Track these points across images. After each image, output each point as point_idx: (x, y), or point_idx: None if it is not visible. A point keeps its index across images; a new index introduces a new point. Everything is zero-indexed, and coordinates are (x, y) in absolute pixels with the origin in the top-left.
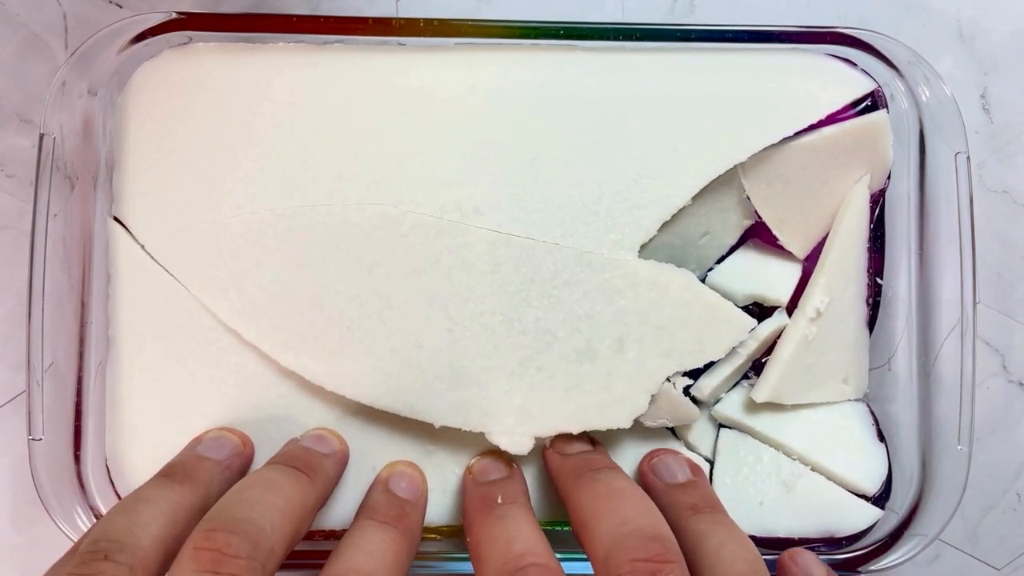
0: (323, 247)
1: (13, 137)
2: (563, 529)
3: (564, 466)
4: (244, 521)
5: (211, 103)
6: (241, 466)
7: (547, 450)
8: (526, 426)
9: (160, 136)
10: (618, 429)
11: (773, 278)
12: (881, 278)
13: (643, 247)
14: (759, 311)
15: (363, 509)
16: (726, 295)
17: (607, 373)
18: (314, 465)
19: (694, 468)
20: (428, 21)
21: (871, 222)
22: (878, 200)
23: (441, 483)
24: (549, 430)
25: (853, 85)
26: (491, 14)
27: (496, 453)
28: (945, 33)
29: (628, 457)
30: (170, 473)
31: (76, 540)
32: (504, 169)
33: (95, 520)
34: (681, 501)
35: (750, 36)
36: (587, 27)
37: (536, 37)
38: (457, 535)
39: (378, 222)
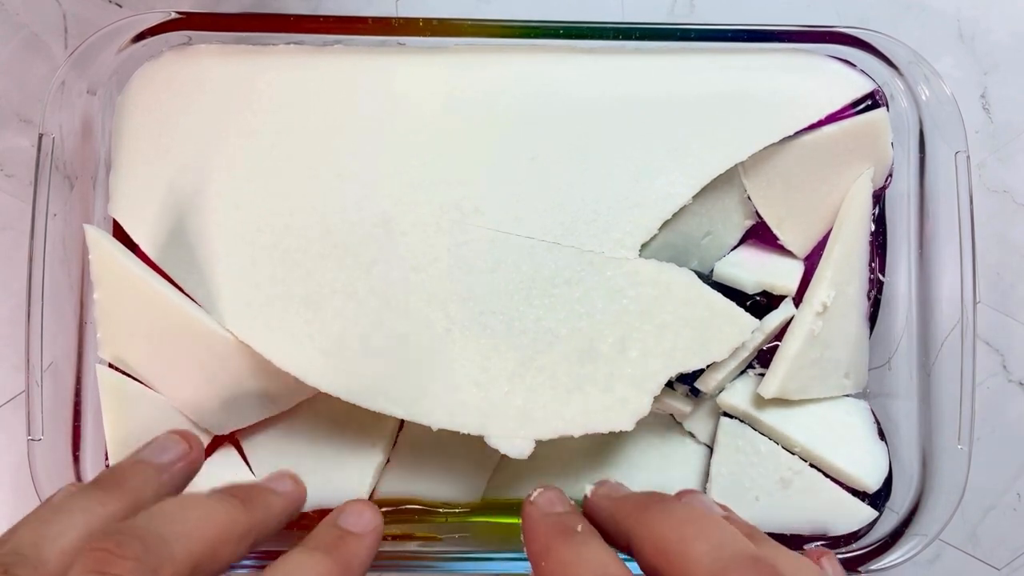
0: (320, 245)
1: (13, 137)
2: None
3: (623, 504)
4: (142, 528)
5: (210, 103)
6: (185, 472)
7: (590, 499)
8: (526, 429)
9: (158, 135)
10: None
11: (780, 271)
12: (883, 274)
13: (644, 246)
14: (767, 302)
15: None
16: (735, 284)
17: (609, 374)
18: (253, 496)
19: (722, 505)
20: (428, 21)
21: (872, 219)
22: (879, 198)
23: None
24: (550, 432)
25: (853, 85)
26: (491, 14)
27: (557, 489)
28: (945, 33)
29: (625, 448)
30: (100, 480)
31: None
32: (504, 169)
33: None
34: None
35: (750, 36)
36: (587, 27)
37: (536, 37)
38: (457, 531)
39: (377, 220)
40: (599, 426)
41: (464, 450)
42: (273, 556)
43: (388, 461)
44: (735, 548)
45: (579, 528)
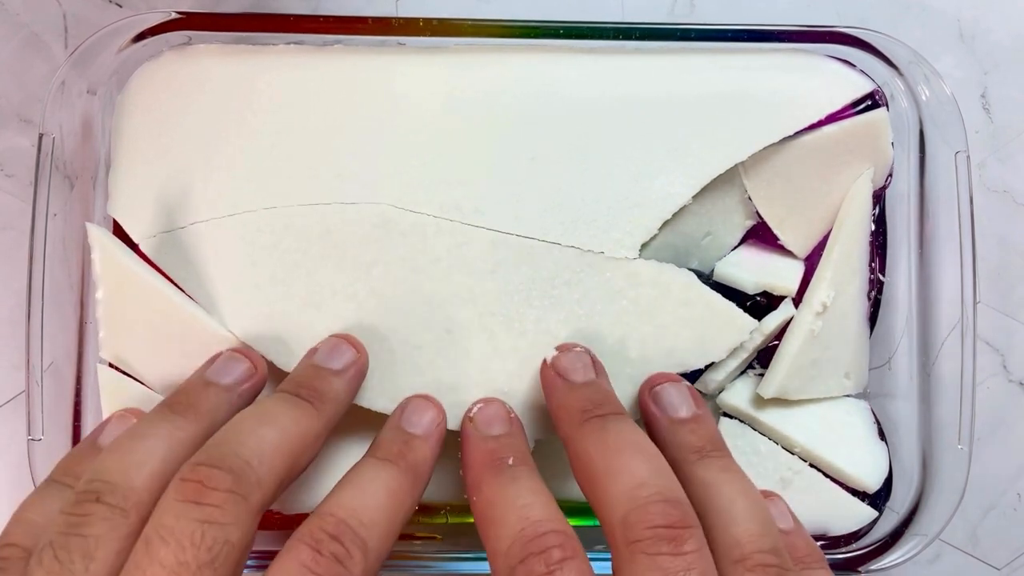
0: (320, 246)
1: (13, 137)
2: None
3: (567, 404)
4: (230, 455)
5: (210, 103)
6: (251, 391)
7: (546, 367)
8: (528, 430)
9: (157, 135)
10: None
11: (780, 271)
12: (883, 274)
13: (644, 246)
14: (767, 302)
15: (368, 448)
16: (736, 285)
17: (609, 374)
18: (321, 391)
19: (698, 400)
20: (428, 21)
21: (872, 219)
22: (879, 198)
23: (445, 463)
24: (549, 432)
25: (853, 85)
26: (491, 14)
27: (498, 402)
28: (945, 33)
29: None
30: (173, 403)
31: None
32: (504, 169)
33: None
34: (687, 442)
35: (750, 36)
36: (587, 27)
37: (536, 37)
38: (456, 534)
39: (377, 221)
40: None
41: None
42: (270, 557)
43: None
44: (655, 488)
45: (510, 461)
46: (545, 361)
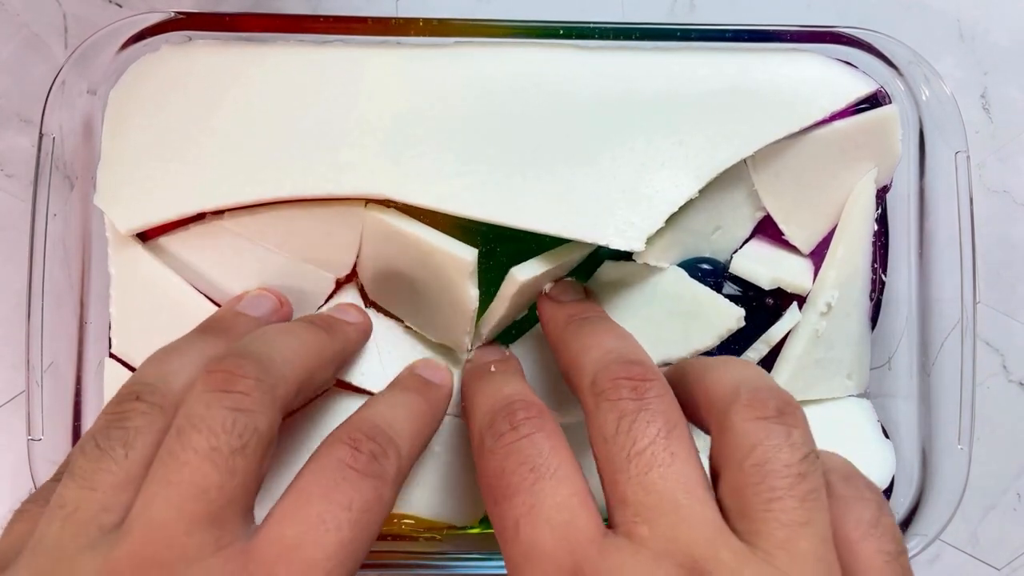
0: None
1: (13, 137)
2: None
3: (556, 315)
4: (255, 351)
5: (203, 96)
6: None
7: (542, 296)
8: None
9: (149, 127)
10: None
11: (792, 268)
12: (885, 273)
13: (650, 241)
14: (774, 303)
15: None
16: (752, 279)
17: None
18: (334, 324)
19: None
20: (428, 21)
21: (875, 218)
22: (882, 197)
23: (446, 484)
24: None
25: (854, 86)
26: (491, 14)
27: (494, 344)
28: (945, 33)
29: None
30: (206, 328)
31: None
32: (505, 161)
33: None
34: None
35: (750, 36)
36: (587, 27)
37: (536, 36)
38: (455, 536)
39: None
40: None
41: (463, 469)
42: None
43: None
44: (619, 352)
45: (492, 368)
46: (542, 292)
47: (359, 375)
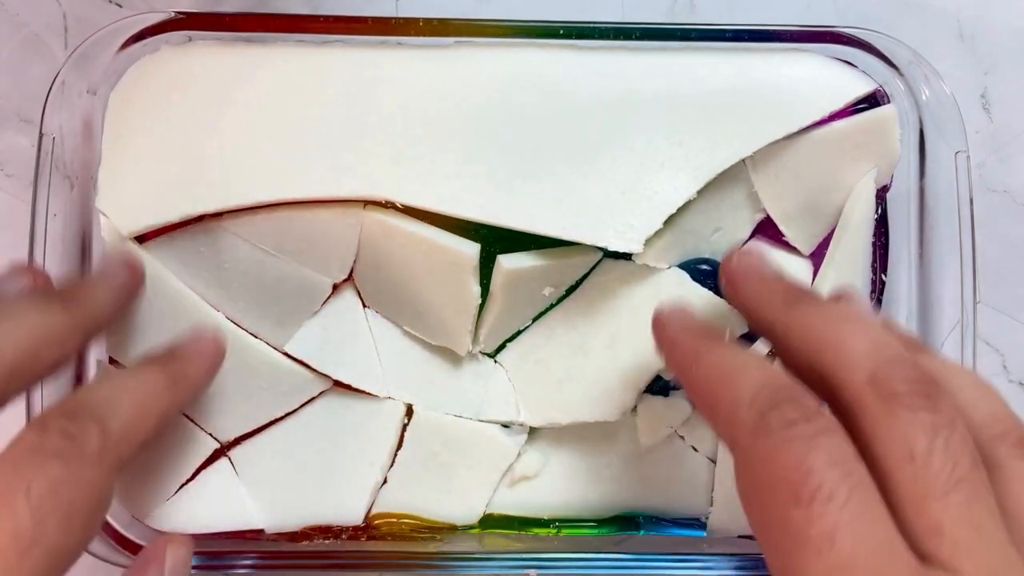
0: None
1: (13, 137)
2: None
3: (766, 293)
4: (82, 406)
5: (204, 97)
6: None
7: (733, 266)
8: (522, 415)
9: (150, 129)
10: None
11: (793, 269)
12: (885, 273)
13: (648, 243)
14: None
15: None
16: None
17: (598, 368)
18: (77, 295)
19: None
20: (428, 21)
21: (875, 219)
22: (882, 197)
23: (446, 483)
24: (541, 420)
25: (854, 86)
26: (491, 14)
27: (683, 307)
28: (945, 33)
29: (625, 444)
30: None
31: None
32: (504, 162)
33: None
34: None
35: (750, 36)
36: (587, 27)
37: (536, 36)
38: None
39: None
40: (587, 416)
41: (463, 469)
42: (272, 555)
43: (385, 482)
44: (894, 351)
45: (727, 335)
46: (730, 258)
47: (358, 378)
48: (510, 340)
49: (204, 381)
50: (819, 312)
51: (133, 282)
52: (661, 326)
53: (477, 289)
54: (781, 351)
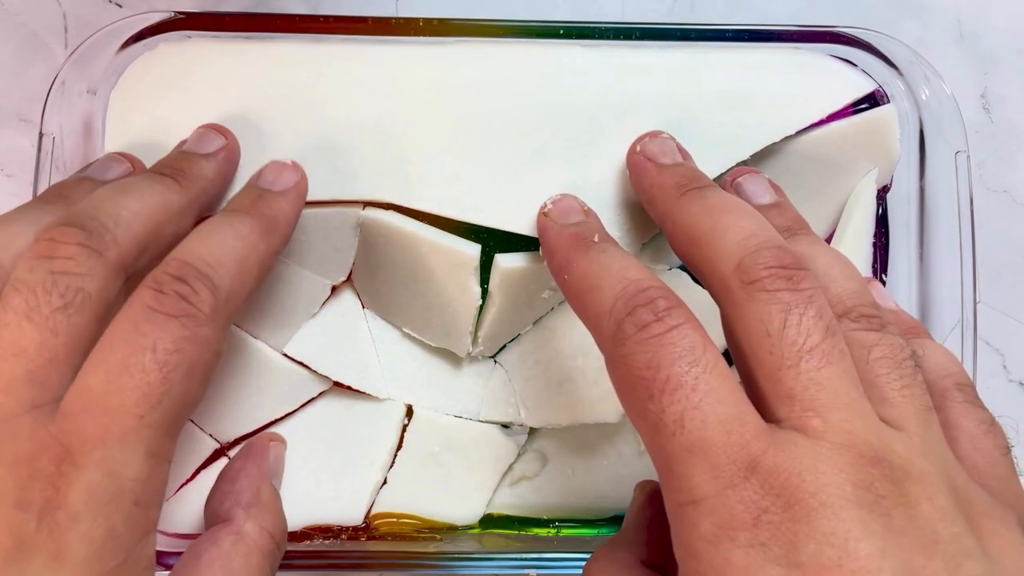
0: None
1: (13, 137)
2: (575, 534)
3: (661, 182)
4: (83, 216)
5: (204, 95)
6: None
7: (636, 155)
8: (522, 417)
9: (151, 127)
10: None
11: None
12: (885, 273)
13: (649, 242)
14: None
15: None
16: None
17: (598, 369)
18: (186, 169)
19: (776, 188)
20: (428, 21)
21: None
22: (882, 197)
23: (446, 484)
24: (540, 421)
25: (855, 85)
26: (491, 14)
27: (570, 196)
28: (945, 33)
29: (625, 444)
30: (45, 196)
31: None
32: (503, 165)
33: None
34: (774, 224)
35: (750, 36)
36: (587, 26)
37: (535, 36)
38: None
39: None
40: (586, 417)
41: (463, 469)
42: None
43: (385, 482)
44: (765, 237)
45: (596, 238)
46: (633, 147)
47: (358, 379)
48: (510, 341)
49: (295, 220)
50: (701, 203)
51: (231, 150)
52: (543, 231)
53: (478, 290)
54: (671, 243)
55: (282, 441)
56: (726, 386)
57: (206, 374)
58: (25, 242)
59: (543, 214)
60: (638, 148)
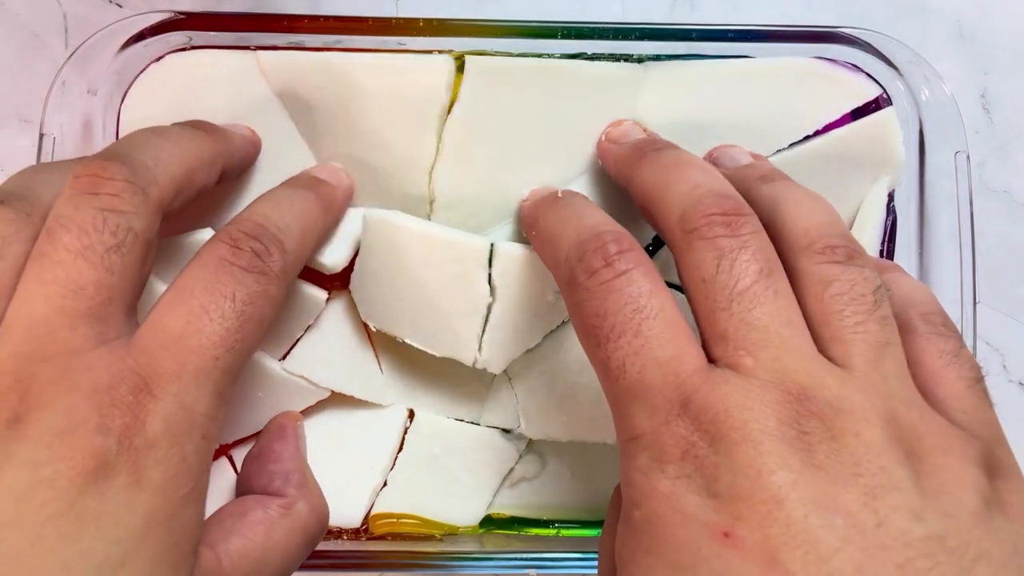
0: None
1: (13, 137)
2: (572, 534)
3: (623, 154)
4: (123, 154)
5: (213, 107)
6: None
7: (603, 144)
8: (523, 429)
9: None
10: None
11: None
12: None
13: (652, 255)
14: None
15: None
16: None
17: (580, 392)
18: (215, 128)
19: (756, 155)
20: (428, 21)
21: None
22: (890, 206)
23: (447, 487)
24: (539, 433)
25: (855, 90)
26: (491, 14)
27: (550, 188)
28: (945, 33)
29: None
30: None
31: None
32: (499, 169)
33: None
34: (748, 174)
35: (749, 36)
36: (587, 27)
37: (536, 37)
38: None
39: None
40: (587, 436)
41: (463, 470)
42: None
43: (385, 484)
44: (709, 187)
45: (559, 194)
46: (601, 138)
47: (360, 389)
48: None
49: (343, 213)
50: (657, 162)
51: (254, 136)
52: (521, 210)
53: (487, 287)
54: (639, 210)
55: (301, 419)
56: (668, 331)
57: (266, 329)
58: (64, 181)
59: (522, 203)
60: (603, 137)
